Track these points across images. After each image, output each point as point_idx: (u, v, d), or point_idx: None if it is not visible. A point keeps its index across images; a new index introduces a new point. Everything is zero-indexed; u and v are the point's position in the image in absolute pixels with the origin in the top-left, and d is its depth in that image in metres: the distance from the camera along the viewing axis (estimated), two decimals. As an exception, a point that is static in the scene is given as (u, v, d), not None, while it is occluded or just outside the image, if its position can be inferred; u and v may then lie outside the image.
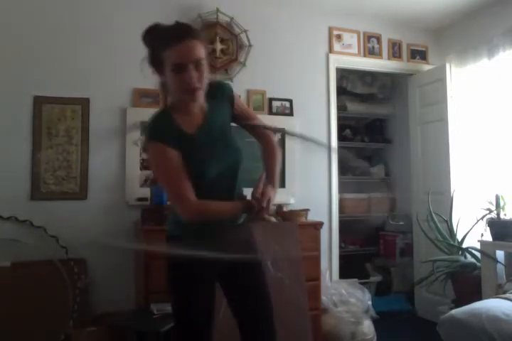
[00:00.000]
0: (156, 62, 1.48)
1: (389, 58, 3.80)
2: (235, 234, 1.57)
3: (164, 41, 1.42)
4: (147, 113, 2.99)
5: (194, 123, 1.52)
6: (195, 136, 1.49)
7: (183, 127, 1.49)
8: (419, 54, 3.90)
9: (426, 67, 3.88)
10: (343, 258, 3.75)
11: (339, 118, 3.75)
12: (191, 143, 1.47)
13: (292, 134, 3.25)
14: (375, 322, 3.09)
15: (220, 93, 1.59)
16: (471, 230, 3.10)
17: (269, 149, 1.64)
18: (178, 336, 1.57)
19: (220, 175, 1.51)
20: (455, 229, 3.23)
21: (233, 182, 1.57)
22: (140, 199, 2.92)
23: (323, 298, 3.02)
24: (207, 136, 1.52)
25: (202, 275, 1.53)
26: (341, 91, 4.13)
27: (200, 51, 1.43)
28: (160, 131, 1.47)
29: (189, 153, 1.45)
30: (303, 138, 1.78)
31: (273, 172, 1.57)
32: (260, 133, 1.67)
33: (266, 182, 1.49)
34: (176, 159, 1.43)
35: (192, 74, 1.40)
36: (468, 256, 3.15)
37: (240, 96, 1.77)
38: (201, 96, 1.48)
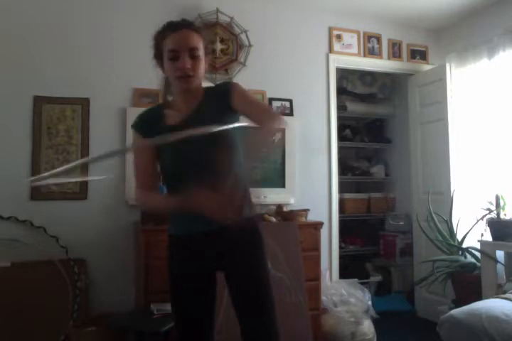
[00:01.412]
0: (157, 54, 1.54)
1: (389, 58, 3.80)
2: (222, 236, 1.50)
3: (164, 32, 1.50)
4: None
5: (181, 116, 1.53)
6: (174, 127, 1.46)
7: (168, 119, 1.54)
8: (419, 54, 3.90)
9: (426, 67, 3.88)
10: (343, 258, 3.75)
11: (339, 118, 3.75)
12: (168, 133, 1.38)
13: None
14: (375, 322, 3.09)
15: (217, 92, 1.58)
16: (471, 230, 3.10)
17: (256, 138, 1.46)
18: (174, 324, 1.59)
19: (193, 170, 1.46)
20: (455, 229, 3.23)
21: (212, 177, 1.34)
22: (140, 199, 2.92)
23: (323, 298, 3.02)
24: (185, 127, 1.38)
25: (196, 258, 1.53)
26: (341, 91, 4.13)
27: (196, 41, 1.49)
28: (141, 122, 1.58)
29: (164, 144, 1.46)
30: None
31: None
32: (256, 117, 1.49)
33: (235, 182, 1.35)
34: (145, 149, 1.53)
35: (185, 61, 1.45)
36: (468, 256, 3.15)
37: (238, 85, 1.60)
38: (194, 85, 1.50)
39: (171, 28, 1.49)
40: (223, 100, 1.53)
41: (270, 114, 1.55)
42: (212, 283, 1.57)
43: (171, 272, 1.57)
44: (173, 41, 1.47)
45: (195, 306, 1.54)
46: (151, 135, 1.43)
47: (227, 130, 1.40)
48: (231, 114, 1.54)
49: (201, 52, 1.50)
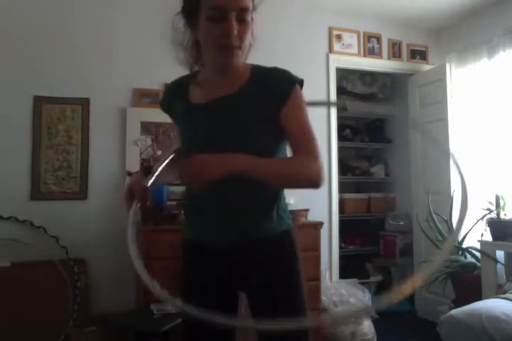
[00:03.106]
0: (189, 8, 1.16)
1: (389, 58, 3.79)
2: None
3: None
4: (147, 113, 3.05)
5: (210, 94, 1.22)
6: (197, 107, 1.24)
7: (192, 96, 1.26)
8: (419, 54, 3.90)
9: (426, 67, 3.88)
10: (343, 258, 3.75)
11: (339, 118, 3.75)
12: (190, 112, 1.24)
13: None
14: (375, 322, 3.09)
15: (272, 85, 1.23)
16: (471, 230, 3.10)
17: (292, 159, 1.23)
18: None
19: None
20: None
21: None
22: (140, 200, 2.92)
23: (323, 298, 3.02)
24: (210, 110, 1.20)
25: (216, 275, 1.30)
26: (341, 91, 4.13)
27: (248, 1, 1.14)
28: (166, 93, 1.37)
29: (184, 121, 1.27)
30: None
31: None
32: (295, 147, 1.19)
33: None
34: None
35: (233, 24, 1.10)
36: (468, 256, 3.15)
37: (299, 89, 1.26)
38: (237, 59, 1.18)
39: None
40: (273, 102, 1.18)
41: (312, 153, 1.15)
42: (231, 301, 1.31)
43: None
44: None
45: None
46: (176, 112, 1.27)
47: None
48: (270, 122, 1.18)
49: (251, 18, 1.17)
